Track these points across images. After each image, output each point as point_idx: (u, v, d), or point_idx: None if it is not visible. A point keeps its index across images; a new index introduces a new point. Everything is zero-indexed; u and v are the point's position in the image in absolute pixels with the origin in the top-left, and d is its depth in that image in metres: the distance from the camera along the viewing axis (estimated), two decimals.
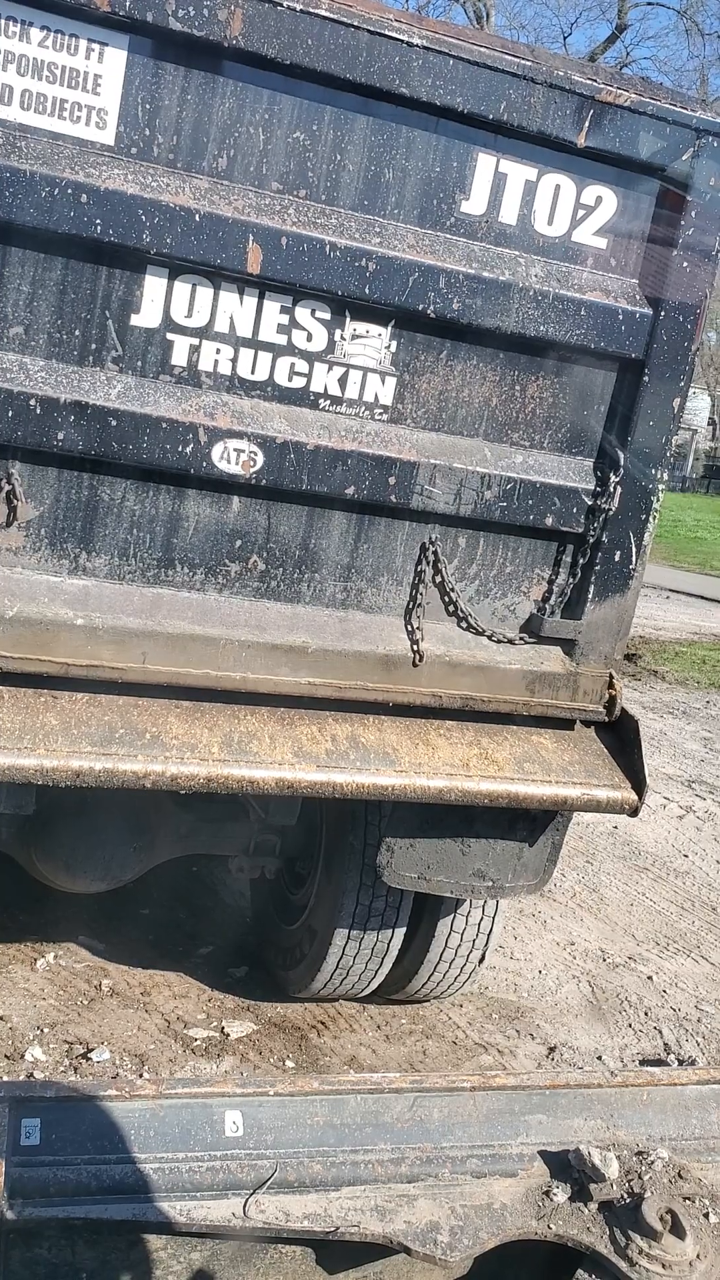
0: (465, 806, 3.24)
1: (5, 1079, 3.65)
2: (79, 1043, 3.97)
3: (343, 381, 2.93)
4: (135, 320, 2.75)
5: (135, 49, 2.58)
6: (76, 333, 2.72)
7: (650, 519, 3.22)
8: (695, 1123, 2.83)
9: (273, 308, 2.83)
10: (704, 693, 10.73)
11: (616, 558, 3.24)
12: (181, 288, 2.76)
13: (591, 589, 3.25)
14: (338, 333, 2.89)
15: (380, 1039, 4.30)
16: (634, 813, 3.33)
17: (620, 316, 3.03)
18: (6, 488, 2.76)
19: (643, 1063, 4.39)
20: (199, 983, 4.46)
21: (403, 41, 2.68)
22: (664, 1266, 2.40)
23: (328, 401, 2.94)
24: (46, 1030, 4.01)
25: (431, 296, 2.87)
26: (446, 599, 3.18)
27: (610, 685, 3.34)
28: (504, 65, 2.77)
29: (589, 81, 2.84)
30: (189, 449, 2.81)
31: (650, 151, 2.92)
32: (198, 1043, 4.08)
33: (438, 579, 3.16)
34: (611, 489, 3.14)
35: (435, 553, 3.13)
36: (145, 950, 4.61)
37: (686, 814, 7.26)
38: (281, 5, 2.57)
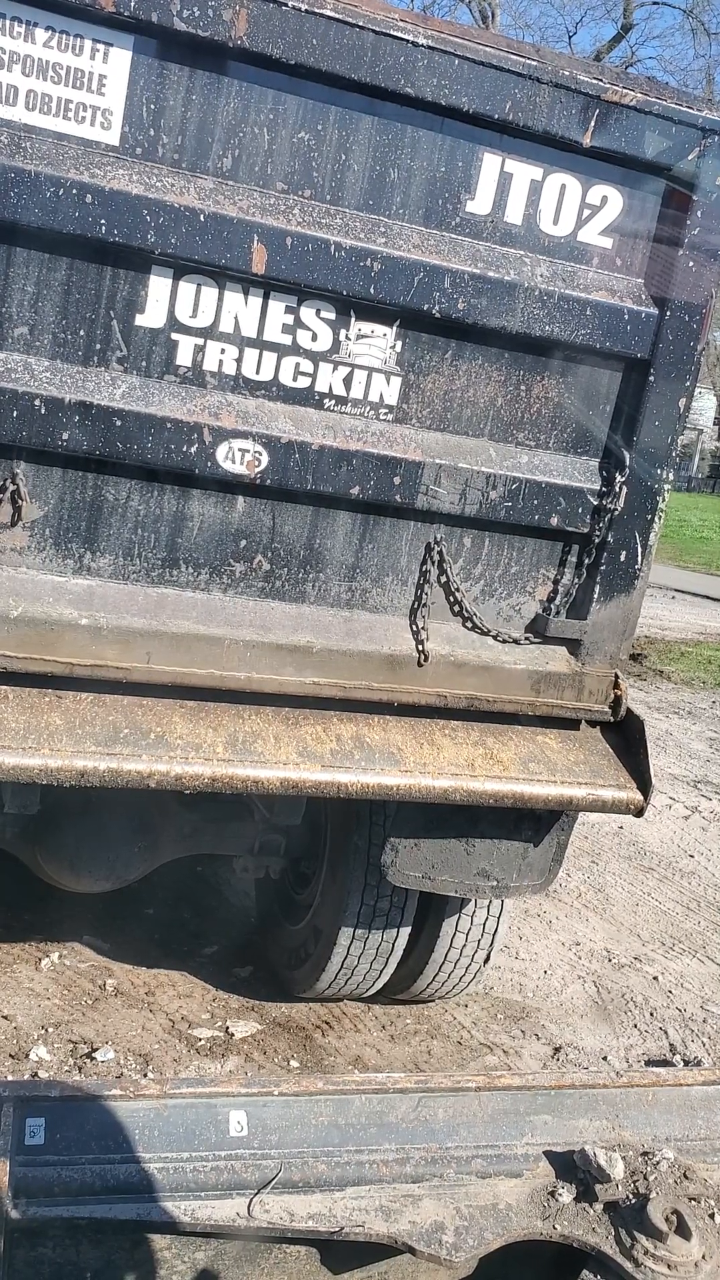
0: (470, 806, 3.23)
1: (10, 1078, 3.65)
2: (83, 1042, 3.97)
3: (348, 381, 2.93)
4: (140, 320, 2.75)
5: (140, 49, 2.58)
6: (81, 333, 2.72)
7: (656, 519, 3.22)
8: (701, 1123, 2.82)
9: (277, 308, 2.83)
10: (710, 693, 10.71)
11: (622, 558, 3.23)
12: (186, 288, 2.76)
13: (597, 589, 3.25)
14: (343, 333, 2.89)
15: (385, 1039, 4.30)
16: (639, 813, 3.32)
17: (626, 316, 3.02)
18: (11, 488, 2.76)
19: (648, 1063, 4.39)
20: (203, 982, 4.46)
21: (408, 41, 2.68)
22: (669, 1267, 2.39)
23: (333, 401, 2.94)
24: (51, 1030, 4.01)
25: (437, 296, 2.87)
26: (451, 599, 3.18)
27: (615, 685, 3.34)
28: (509, 65, 2.77)
29: (594, 81, 2.84)
30: (194, 449, 2.81)
31: (656, 151, 2.92)
32: (202, 1042, 4.08)
33: (443, 579, 3.15)
34: (617, 489, 3.14)
35: (440, 553, 3.13)
36: (150, 950, 4.62)
37: (692, 814, 7.25)
38: (286, 5, 2.57)
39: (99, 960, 4.50)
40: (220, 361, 2.83)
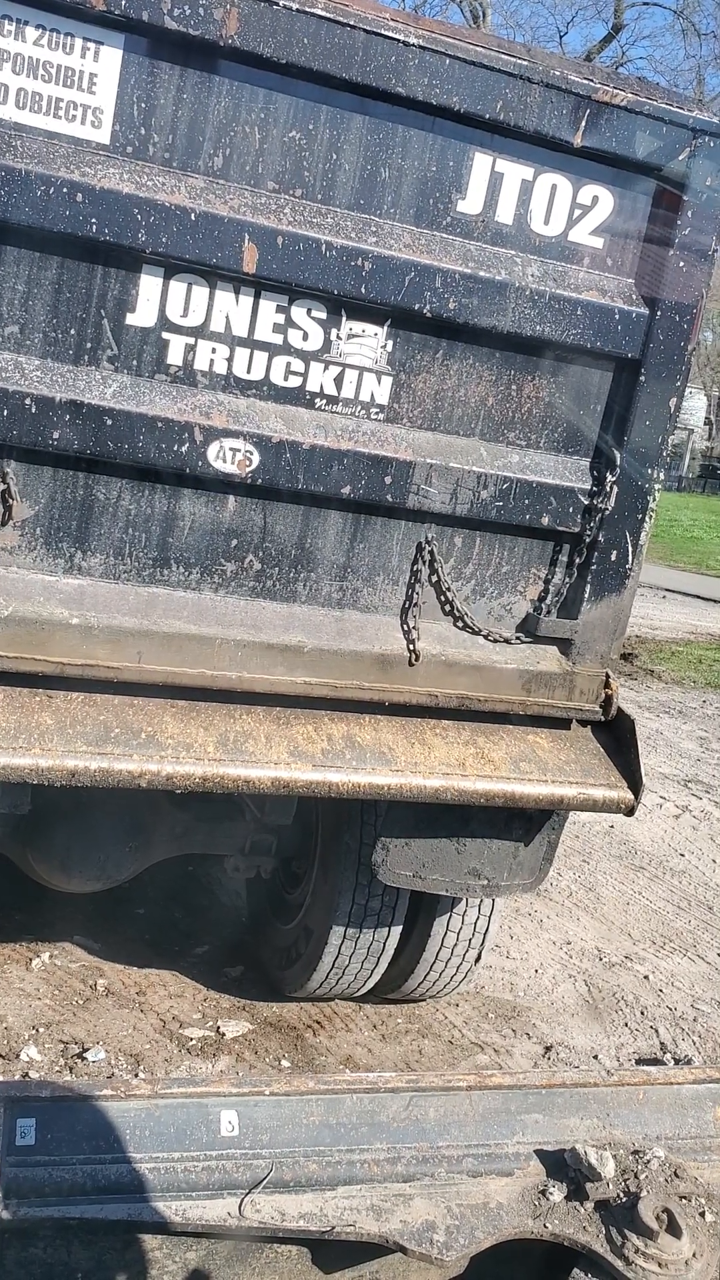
0: (461, 806, 3.23)
1: (0, 1079, 3.64)
2: (74, 1042, 3.96)
3: (339, 381, 2.93)
4: (131, 319, 2.75)
5: (131, 48, 2.57)
6: (72, 332, 2.72)
7: (646, 518, 3.22)
8: (691, 1122, 2.83)
9: (268, 307, 2.83)
10: (700, 692, 10.74)
11: (613, 557, 3.24)
12: (177, 287, 2.75)
13: (588, 589, 3.25)
14: (334, 332, 2.89)
15: (376, 1038, 4.30)
16: (630, 812, 3.33)
17: (617, 316, 3.03)
18: (1, 487, 2.75)
19: (639, 1062, 4.40)
20: (194, 982, 4.46)
21: (399, 41, 2.68)
22: (660, 1265, 2.40)
23: (324, 401, 2.94)
24: (42, 1030, 4.00)
25: (428, 296, 2.87)
26: (443, 598, 3.18)
27: (606, 685, 3.34)
28: (500, 65, 2.77)
29: (585, 81, 2.84)
30: (185, 448, 2.81)
31: (646, 151, 2.92)
32: (193, 1042, 4.08)
33: (434, 578, 3.16)
34: (608, 489, 3.15)
35: (431, 552, 3.13)
36: (141, 950, 4.61)
37: (682, 813, 7.27)
38: (277, 4, 2.57)
39: (90, 960, 4.49)
40: (211, 361, 2.83)
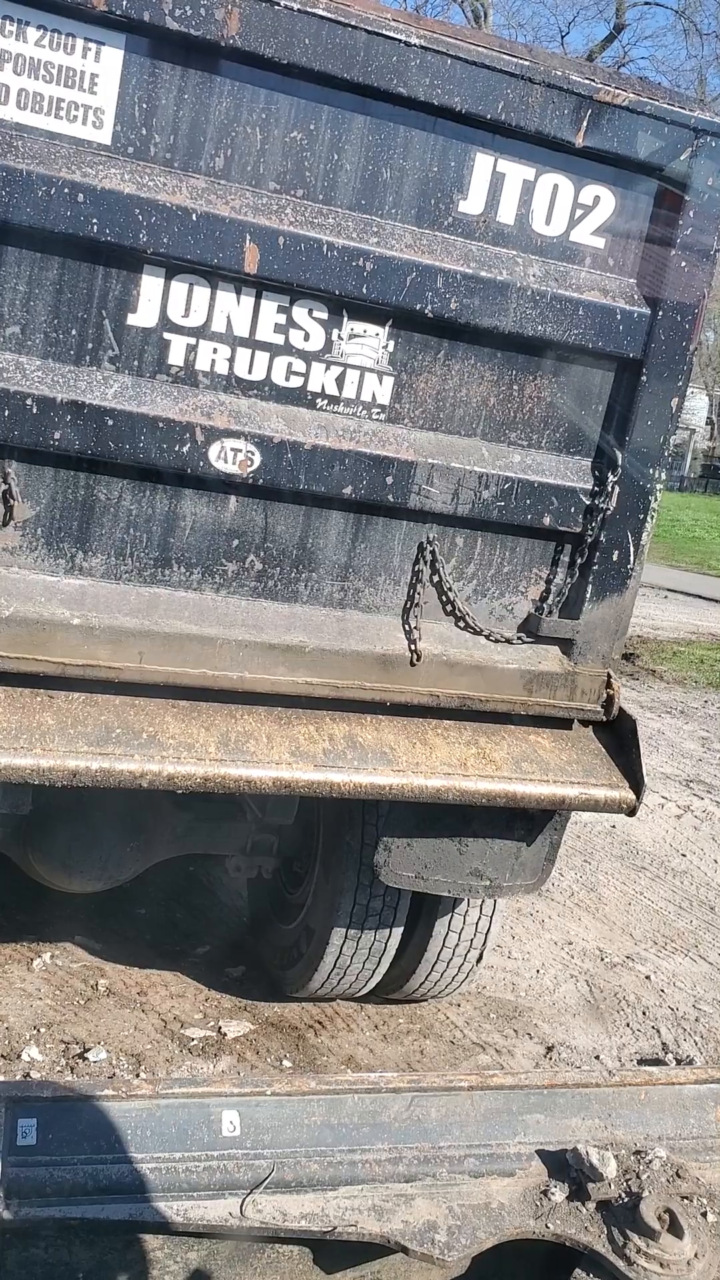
0: (463, 806, 3.23)
1: (2, 1079, 3.65)
2: (75, 1042, 3.96)
3: (340, 381, 2.93)
4: (132, 320, 2.75)
5: (132, 48, 2.57)
6: (73, 332, 2.72)
7: (648, 518, 3.22)
8: (693, 1122, 2.83)
9: (270, 307, 2.83)
10: (702, 692, 10.73)
11: (614, 557, 3.23)
12: (178, 287, 2.76)
13: (589, 589, 3.25)
14: (335, 332, 2.89)
15: (378, 1038, 4.30)
16: (632, 812, 3.33)
17: (618, 316, 3.03)
18: (3, 487, 2.75)
19: (640, 1062, 4.39)
20: (196, 982, 4.46)
21: (400, 41, 2.68)
22: (662, 1265, 2.40)
23: (325, 401, 2.94)
24: (43, 1030, 4.00)
25: (429, 296, 2.87)
26: (444, 598, 3.18)
27: (608, 685, 3.34)
28: (502, 65, 2.77)
29: (587, 81, 2.84)
30: (186, 448, 2.81)
31: (648, 151, 2.92)
32: (195, 1042, 4.08)
33: (435, 578, 3.15)
34: (609, 489, 3.14)
35: (433, 552, 3.13)
36: (142, 950, 4.61)
37: (684, 813, 7.26)
38: (279, 4, 2.57)
39: (91, 960, 4.49)
40: (212, 361, 2.83)
